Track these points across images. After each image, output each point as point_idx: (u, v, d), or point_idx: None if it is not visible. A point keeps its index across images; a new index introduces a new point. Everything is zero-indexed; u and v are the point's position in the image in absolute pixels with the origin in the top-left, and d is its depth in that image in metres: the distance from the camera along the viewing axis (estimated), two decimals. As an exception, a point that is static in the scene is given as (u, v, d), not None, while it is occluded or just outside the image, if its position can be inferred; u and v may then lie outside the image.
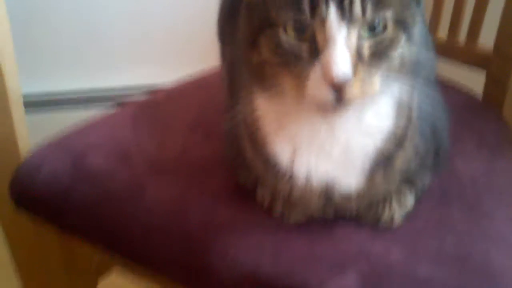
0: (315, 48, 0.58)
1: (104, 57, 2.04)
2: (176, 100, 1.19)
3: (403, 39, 0.62)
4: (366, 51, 0.59)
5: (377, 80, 0.60)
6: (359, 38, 0.58)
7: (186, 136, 1.02)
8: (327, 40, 0.57)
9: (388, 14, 0.59)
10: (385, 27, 0.60)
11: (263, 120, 0.73)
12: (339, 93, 0.57)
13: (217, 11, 1.04)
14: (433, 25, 1.28)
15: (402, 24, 0.61)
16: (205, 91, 1.22)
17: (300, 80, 0.59)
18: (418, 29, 0.66)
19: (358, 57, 0.58)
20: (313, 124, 0.69)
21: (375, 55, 0.59)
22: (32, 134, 1.10)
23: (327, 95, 0.57)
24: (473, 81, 1.24)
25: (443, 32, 1.28)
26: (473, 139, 1.04)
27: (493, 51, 1.18)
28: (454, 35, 1.26)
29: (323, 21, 0.57)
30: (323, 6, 0.56)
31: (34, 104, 2.01)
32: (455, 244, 0.77)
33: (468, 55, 1.24)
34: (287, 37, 0.59)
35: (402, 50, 0.62)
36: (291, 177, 0.74)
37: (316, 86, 0.58)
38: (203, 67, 1.32)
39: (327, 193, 0.74)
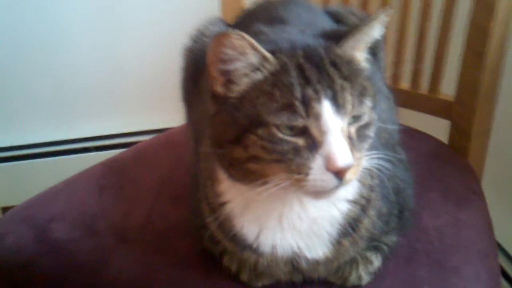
0: (312, 141, 0.62)
1: (77, 108, 2.02)
2: (142, 161, 1.18)
3: (376, 119, 0.68)
4: (354, 136, 0.64)
5: (363, 158, 0.66)
6: (348, 126, 0.64)
7: (152, 202, 1.01)
8: (323, 133, 0.62)
9: (368, 103, 0.65)
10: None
11: (229, 205, 0.76)
12: (339, 176, 0.62)
13: (180, 73, 1.04)
14: (395, 77, 1.30)
15: (375, 106, 0.67)
16: (173, 150, 1.21)
17: (300, 171, 0.62)
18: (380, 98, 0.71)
19: (350, 142, 0.63)
20: (284, 204, 0.73)
21: (359, 138, 0.65)
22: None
23: (332, 180, 0.62)
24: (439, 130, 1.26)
25: (405, 83, 1.30)
26: (440, 190, 1.05)
27: (455, 101, 1.20)
28: (416, 86, 1.28)
29: (318, 118, 0.61)
30: (317, 105, 0.61)
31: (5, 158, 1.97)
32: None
33: (431, 105, 1.26)
34: (283, 135, 0.62)
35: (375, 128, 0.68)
36: (256, 249, 0.76)
37: (319, 175, 0.62)
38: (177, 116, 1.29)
39: (294, 262, 0.76)
